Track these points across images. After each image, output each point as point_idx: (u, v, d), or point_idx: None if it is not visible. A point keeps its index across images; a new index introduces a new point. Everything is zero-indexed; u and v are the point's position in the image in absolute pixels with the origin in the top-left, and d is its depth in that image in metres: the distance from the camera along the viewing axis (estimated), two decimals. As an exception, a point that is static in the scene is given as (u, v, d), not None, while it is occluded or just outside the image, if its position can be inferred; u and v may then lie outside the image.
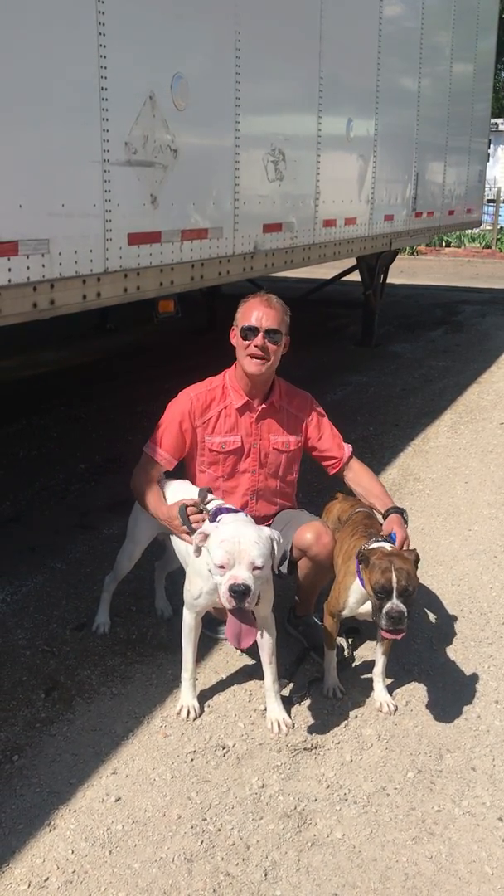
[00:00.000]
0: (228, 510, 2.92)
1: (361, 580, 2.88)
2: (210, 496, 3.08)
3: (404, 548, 3.00)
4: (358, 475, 3.42)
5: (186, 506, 3.01)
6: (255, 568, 2.60)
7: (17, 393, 7.51)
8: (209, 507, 2.98)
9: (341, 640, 3.44)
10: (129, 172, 3.85)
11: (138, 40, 3.84)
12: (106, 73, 3.60)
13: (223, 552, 2.62)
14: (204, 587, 2.89)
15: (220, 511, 2.89)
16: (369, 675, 3.24)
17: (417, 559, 2.88)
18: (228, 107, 4.72)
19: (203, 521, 2.92)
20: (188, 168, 4.30)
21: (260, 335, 3.14)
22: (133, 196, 3.90)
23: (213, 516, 2.87)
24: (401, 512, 3.21)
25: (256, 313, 3.16)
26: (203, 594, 2.92)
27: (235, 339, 3.22)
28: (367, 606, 2.96)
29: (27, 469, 5.53)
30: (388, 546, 2.89)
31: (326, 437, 3.41)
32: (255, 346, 3.14)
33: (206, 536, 2.73)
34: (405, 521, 3.18)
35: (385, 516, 3.21)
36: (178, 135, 4.18)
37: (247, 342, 3.16)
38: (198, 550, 2.75)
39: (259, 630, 3.03)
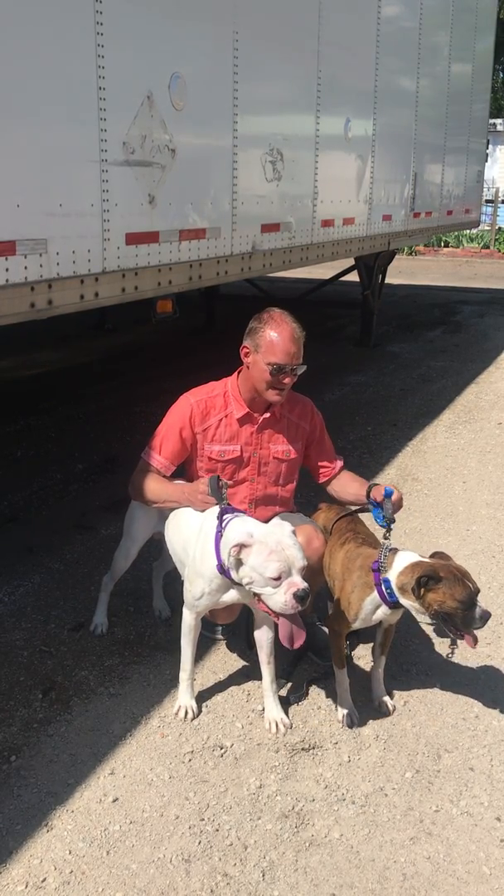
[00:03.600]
0: (231, 510, 2.92)
1: (383, 597, 2.86)
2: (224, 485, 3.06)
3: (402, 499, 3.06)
4: (343, 482, 3.37)
5: (219, 476, 3.01)
6: (303, 568, 2.66)
7: (16, 393, 7.51)
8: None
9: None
10: (127, 172, 3.85)
11: (136, 40, 3.84)
12: (104, 72, 3.60)
13: (276, 564, 2.61)
14: (206, 588, 2.88)
15: (224, 511, 2.89)
16: (367, 676, 3.24)
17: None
18: (226, 107, 4.72)
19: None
20: (186, 168, 4.30)
21: (289, 375, 3.07)
22: (131, 196, 3.90)
23: (220, 516, 2.86)
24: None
25: (288, 351, 3.04)
26: (206, 595, 2.91)
27: (255, 365, 3.09)
28: (379, 615, 2.94)
29: (25, 469, 5.52)
30: (415, 555, 2.87)
31: (324, 450, 3.38)
32: (284, 384, 3.08)
33: (241, 548, 2.68)
34: None
35: (368, 491, 3.19)
36: (176, 135, 4.17)
37: (273, 378, 3.06)
38: (237, 560, 2.70)
39: (257, 629, 3.03)
